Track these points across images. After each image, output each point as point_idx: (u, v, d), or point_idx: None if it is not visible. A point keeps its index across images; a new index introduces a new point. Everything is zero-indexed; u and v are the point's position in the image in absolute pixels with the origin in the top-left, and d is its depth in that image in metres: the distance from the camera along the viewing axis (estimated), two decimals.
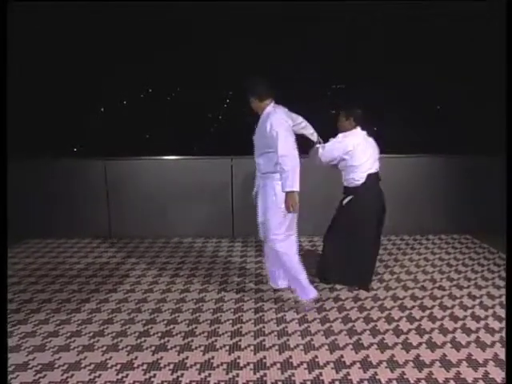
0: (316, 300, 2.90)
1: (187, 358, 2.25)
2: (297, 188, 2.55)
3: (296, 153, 2.58)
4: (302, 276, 2.77)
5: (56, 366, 2.18)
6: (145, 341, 2.42)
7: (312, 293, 2.81)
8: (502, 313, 2.75)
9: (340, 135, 2.99)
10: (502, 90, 2.83)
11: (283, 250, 2.72)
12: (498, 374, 2.09)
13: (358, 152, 2.90)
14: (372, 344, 2.38)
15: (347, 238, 2.99)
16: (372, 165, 2.96)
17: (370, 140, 3.05)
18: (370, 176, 2.94)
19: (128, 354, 2.28)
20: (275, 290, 3.10)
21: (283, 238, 2.71)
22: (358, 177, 2.93)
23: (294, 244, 2.77)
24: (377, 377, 2.08)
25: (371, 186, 2.95)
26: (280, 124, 2.58)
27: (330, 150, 2.96)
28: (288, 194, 2.56)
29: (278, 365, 2.18)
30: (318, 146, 3.01)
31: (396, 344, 2.38)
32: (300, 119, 2.92)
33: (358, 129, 3.00)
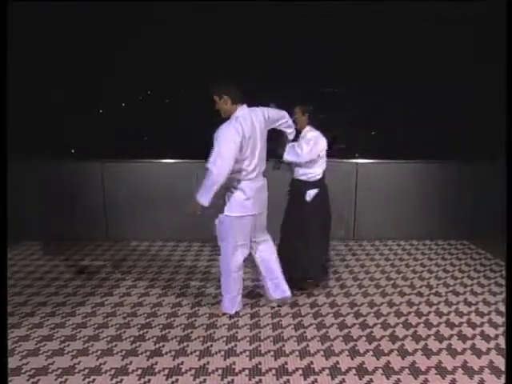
0: (314, 305, 2.92)
1: (182, 363, 2.24)
2: (203, 203, 2.47)
3: (226, 171, 2.40)
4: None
5: (50, 370, 2.17)
6: (140, 345, 2.41)
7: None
8: (498, 320, 2.75)
9: (311, 133, 3.01)
10: (501, 93, 2.84)
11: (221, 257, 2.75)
12: (494, 382, 2.09)
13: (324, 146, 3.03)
14: (368, 350, 2.37)
15: (322, 233, 3.09)
16: None
17: None
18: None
19: (123, 359, 2.27)
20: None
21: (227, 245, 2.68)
22: (321, 171, 3.04)
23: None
24: (372, 383, 2.07)
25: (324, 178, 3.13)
26: (226, 135, 2.42)
27: (315, 145, 2.93)
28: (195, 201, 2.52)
29: (274, 371, 2.17)
30: (291, 144, 2.99)
31: (392, 350, 2.37)
32: (285, 118, 2.88)
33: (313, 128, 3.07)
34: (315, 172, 3.02)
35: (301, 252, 3.04)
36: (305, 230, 3.03)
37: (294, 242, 3.08)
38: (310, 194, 3.02)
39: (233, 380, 2.10)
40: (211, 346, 2.41)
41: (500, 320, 2.74)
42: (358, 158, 4.53)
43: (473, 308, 2.93)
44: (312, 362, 2.25)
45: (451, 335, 2.55)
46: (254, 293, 3.16)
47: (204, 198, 2.47)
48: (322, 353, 2.34)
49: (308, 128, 3.06)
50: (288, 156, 3.03)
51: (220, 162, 2.38)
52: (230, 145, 2.40)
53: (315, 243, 3.05)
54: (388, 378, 2.11)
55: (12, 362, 2.23)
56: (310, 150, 2.92)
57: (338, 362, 2.25)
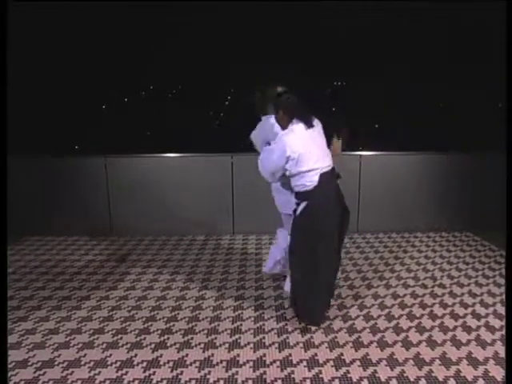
0: None
1: (187, 355, 2.25)
2: None
3: None
4: None
5: (56, 363, 2.19)
6: (144, 338, 2.42)
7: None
8: (503, 311, 2.74)
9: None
10: (502, 87, 2.81)
11: None
12: (499, 373, 2.09)
13: (302, 156, 2.31)
14: (372, 342, 2.37)
15: (309, 256, 2.43)
16: (322, 162, 2.39)
17: (312, 130, 2.42)
18: (323, 176, 2.38)
19: (128, 352, 2.29)
20: (275, 288, 3.10)
21: None
22: (309, 180, 2.38)
23: None
24: (376, 375, 2.08)
25: (326, 186, 2.41)
26: None
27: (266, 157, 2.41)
28: None
29: (278, 363, 2.18)
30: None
31: (396, 342, 2.37)
32: None
33: (295, 123, 2.39)
34: (302, 183, 2.40)
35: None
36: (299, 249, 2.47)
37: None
38: (300, 207, 2.42)
39: (237, 372, 2.11)
40: (215, 338, 2.42)
41: (505, 311, 2.73)
42: (361, 150, 4.50)
43: (477, 299, 2.92)
44: (316, 354, 2.25)
45: (455, 326, 2.54)
46: (258, 286, 3.16)
47: None
48: (326, 344, 2.35)
49: (288, 128, 2.40)
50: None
51: None
52: None
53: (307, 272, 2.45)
54: (392, 370, 2.12)
55: (18, 355, 2.25)
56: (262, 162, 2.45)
57: (342, 354, 2.26)
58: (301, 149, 2.31)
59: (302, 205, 2.41)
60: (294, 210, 2.48)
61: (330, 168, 2.44)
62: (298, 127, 2.37)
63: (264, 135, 2.63)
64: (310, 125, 2.40)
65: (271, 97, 2.50)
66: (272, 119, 2.57)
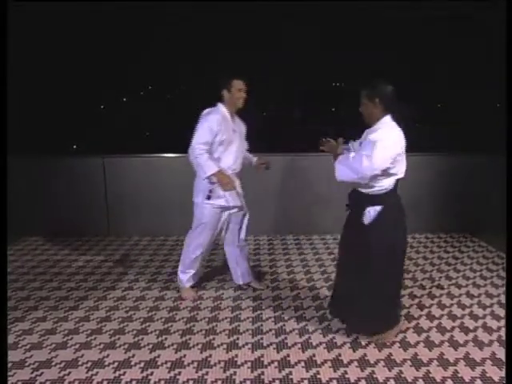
0: (315, 298, 2.91)
1: (184, 356, 2.25)
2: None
3: None
4: None
5: (53, 363, 2.18)
6: (142, 339, 2.42)
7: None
8: (500, 312, 2.75)
9: (378, 132, 2.10)
10: (502, 88, 2.82)
11: None
12: (496, 373, 2.09)
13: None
14: (370, 343, 2.37)
15: (389, 271, 2.26)
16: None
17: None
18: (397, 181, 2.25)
19: (125, 352, 2.28)
20: (273, 289, 3.10)
21: None
22: (391, 181, 2.27)
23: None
24: (374, 375, 2.08)
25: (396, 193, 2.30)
26: None
27: (383, 151, 2.11)
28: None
29: (276, 363, 2.18)
30: (347, 155, 2.22)
31: (394, 342, 2.37)
32: None
33: (389, 116, 2.15)
34: (381, 185, 2.21)
35: (356, 293, 2.27)
36: (365, 265, 2.22)
37: (349, 277, 2.32)
38: (370, 213, 2.20)
39: (235, 372, 2.11)
40: (213, 339, 2.42)
41: (502, 312, 2.74)
42: None
43: (475, 300, 2.93)
44: (314, 355, 2.25)
45: (453, 327, 2.55)
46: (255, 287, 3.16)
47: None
48: (324, 345, 2.35)
49: (381, 122, 2.14)
50: (342, 176, 2.23)
51: None
52: None
53: (379, 286, 2.22)
54: (390, 370, 2.12)
55: (16, 356, 2.24)
56: (374, 160, 2.07)
57: (339, 355, 2.26)
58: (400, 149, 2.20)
59: (375, 209, 2.24)
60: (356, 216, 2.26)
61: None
62: (394, 125, 2.17)
63: None
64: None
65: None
66: None
